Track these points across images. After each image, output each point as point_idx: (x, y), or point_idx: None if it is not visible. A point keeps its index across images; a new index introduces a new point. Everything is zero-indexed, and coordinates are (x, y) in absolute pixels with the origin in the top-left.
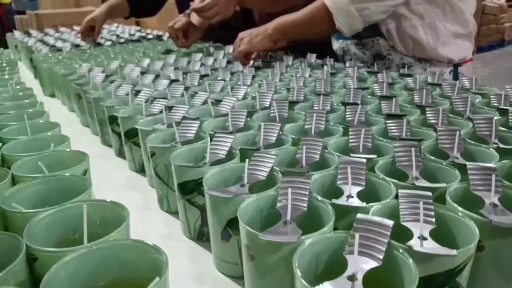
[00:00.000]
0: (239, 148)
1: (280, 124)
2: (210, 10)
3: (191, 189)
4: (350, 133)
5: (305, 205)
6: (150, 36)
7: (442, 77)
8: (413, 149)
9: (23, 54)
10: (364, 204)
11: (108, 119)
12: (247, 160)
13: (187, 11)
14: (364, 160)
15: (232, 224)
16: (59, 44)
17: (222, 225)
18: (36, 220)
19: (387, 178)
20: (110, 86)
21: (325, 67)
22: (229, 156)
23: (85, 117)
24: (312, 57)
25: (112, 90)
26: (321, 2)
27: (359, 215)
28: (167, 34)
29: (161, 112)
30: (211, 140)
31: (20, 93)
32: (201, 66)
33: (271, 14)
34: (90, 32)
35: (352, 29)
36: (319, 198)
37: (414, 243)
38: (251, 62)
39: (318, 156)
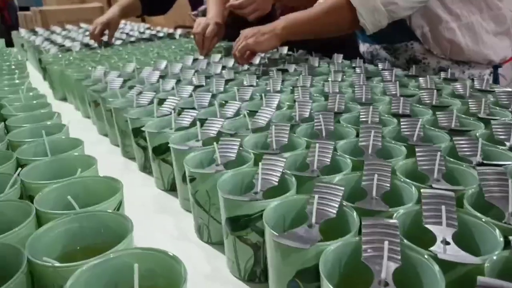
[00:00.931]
0: (293, 174)
1: (334, 143)
2: (249, 6)
3: (243, 225)
4: (418, 154)
5: (399, 257)
6: (161, 34)
7: (489, 82)
8: (510, 180)
9: (31, 53)
10: (478, 260)
11: (132, 132)
12: (316, 196)
13: (201, 8)
14: (453, 194)
15: (303, 275)
16: (67, 43)
17: (290, 275)
18: (73, 278)
19: (492, 221)
20: (130, 93)
21: (357, 69)
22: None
23: (102, 125)
24: (339, 58)
25: (133, 98)
26: None
27: (481, 279)
28: (178, 32)
29: (192, 124)
30: (256, 161)
31: (34, 101)
32: (223, 68)
33: (297, 9)
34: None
35: (377, 26)
36: (424, 254)
37: None
38: (245, 65)
39: (388, 185)
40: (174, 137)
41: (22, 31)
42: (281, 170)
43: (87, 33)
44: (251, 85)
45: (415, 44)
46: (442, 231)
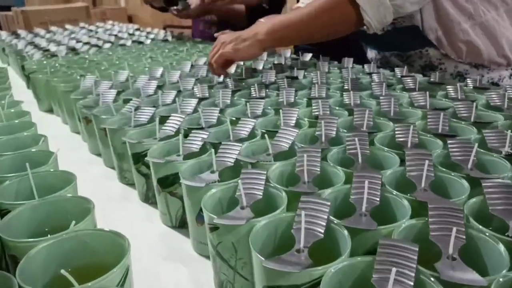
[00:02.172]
0: (343, 225)
1: (381, 176)
2: None
3: None
4: (488, 191)
5: None
6: (152, 36)
7: None
8: None
9: (12, 59)
10: None
11: (132, 158)
12: (394, 270)
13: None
14: None
15: None
16: (52, 47)
17: None
18: None
19: None
20: (126, 108)
21: (374, 77)
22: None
23: (95, 143)
24: (349, 62)
25: (130, 115)
26: None
27: None
28: (170, 33)
29: (202, 148)
30: (291, 201)
31: (16, 121)
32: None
33: None
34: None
35: (382, 23)
36: None
37: None
38: (222, 76)
39: (464, 237)
40: (185, 169)
41: (3, 34)
42: (325, 217)
43: (73, 35)
44: (261, 97)
45: (430, 50)
46: None
